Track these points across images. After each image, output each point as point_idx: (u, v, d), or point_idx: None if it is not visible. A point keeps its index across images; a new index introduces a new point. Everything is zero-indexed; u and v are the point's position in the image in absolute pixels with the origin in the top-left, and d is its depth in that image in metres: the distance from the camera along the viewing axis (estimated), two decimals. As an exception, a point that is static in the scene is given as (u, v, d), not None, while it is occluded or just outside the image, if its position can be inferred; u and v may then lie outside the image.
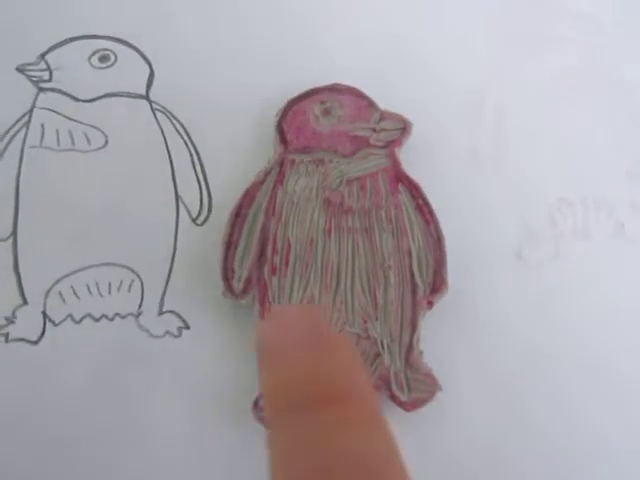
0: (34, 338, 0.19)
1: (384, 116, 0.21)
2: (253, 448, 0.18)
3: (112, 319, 0.19)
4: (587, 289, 0.21)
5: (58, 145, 0.20)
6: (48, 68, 0.20)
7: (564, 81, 0.23)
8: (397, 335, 0.19)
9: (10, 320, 0.19)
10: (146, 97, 0.21)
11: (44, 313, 0.19)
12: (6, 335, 0.19)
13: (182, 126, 0.21)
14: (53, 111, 0.20)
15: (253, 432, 0.18)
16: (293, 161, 0.20)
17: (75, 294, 0.19)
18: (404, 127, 0.21)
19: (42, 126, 0.20)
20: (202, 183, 0.20)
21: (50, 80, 0.20)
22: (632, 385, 0.20)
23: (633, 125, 0.24)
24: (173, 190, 0.20)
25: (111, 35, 0.21)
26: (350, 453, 0.11)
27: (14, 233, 0.19)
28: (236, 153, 0.21)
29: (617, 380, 0.20)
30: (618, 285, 0.21)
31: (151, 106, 0.21)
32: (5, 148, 0.20)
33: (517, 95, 0.23)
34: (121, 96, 0.21)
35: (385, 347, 0.19)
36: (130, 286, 0.19)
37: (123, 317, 0.19)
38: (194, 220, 0.20)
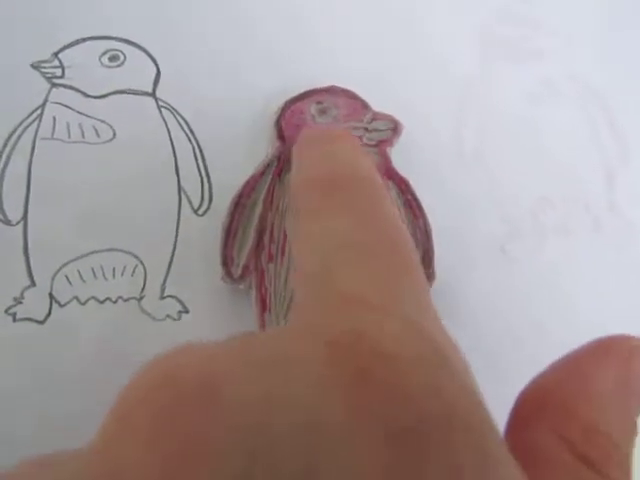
0: (41, 318, 0.20)
1: (376, 117, 0.22)
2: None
3: (115, 302, 0.20)
4: (567, 283, 0.23)
5: (69, 137, 0.21)
6: (61, 65, 0.22)
7: (544, 89, 0.25)
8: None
9: (18, 300, 0.20)
10: (152, 95, 0.22)
11: (51, 294, 0.20)
12: (14, 314, 0.19)
13: (186, 122, 0.22)
14: (65, 105, 0.21)
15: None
16: (290, 156, 0.21)
17: (81, 277, 0.20)
18: (395, 127, 0.22)
19: (54, 119, 0.21)
20: (204, 175, 0.22)
21: (62, 77, 0.22)
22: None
23: (610, 130, 0.25)
24: (176, 181, 0.21)
25: (121, 36, 0.22)
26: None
27: (25, 218, 0.20)
28: (236, 148, 0.22)
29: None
30: (596, 280, 0.23)
31: (157, 103, 0.22)
32: (18, 139, 0.21)
33: (499, 100, 0.24)
34: (129, 93, 0.22)
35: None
36: (133, 271, 0.20)
37: (126, 300, 0.20)
38: (195, 210, 0.21)
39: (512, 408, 0.12)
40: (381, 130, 0.22)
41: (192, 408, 0.09)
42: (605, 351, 0.12)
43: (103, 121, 0.21)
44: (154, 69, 0.22)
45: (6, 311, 0.19)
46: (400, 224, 0.13)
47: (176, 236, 0.21)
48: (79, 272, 0.20)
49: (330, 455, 0.08)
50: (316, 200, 0.14)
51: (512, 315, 0.22)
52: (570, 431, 0.11)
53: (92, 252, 0.20)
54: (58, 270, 0.20)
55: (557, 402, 0.12)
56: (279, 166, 0.21)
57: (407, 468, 0.08)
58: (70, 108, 0.21)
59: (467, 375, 0.10)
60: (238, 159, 0.22)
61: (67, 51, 0.22)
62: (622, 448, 0.11)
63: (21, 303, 0.20)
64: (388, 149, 0.22)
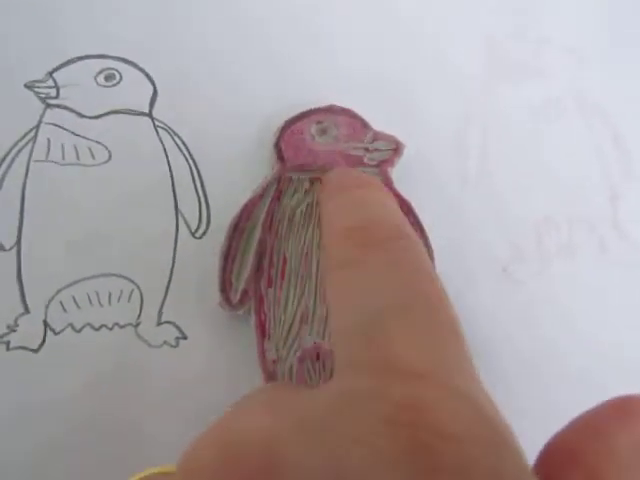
0: (35, 346, 0.19)
1: (377, 136, 0.22)
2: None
3: (111, 329, 0.20)
4: (570, 304, 0.22)
5: (63, 159, 0.21)
6: (55, 85, 0.21)
7: (548, 108, 0.25)
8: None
9: (12, 328, 0.19)
10: (149, 115, 0.22)
11: (45, 322, 0.19)
12: (7, 343, 0.19)
13: (183, 143, 0.22)
14: (59, 126, 0.21)
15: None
16: (290, 178, 0.21)
17: (76, 304, 0.20)
18: (396, 148, 0.22)
19: (48, 140, 0.21)
20: (201, 198, 0.21)
21: (57, 97, 0.21)
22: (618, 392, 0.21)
23: (616, 150, 0.25)
24: (173, 204, 0.21)
25: (117, 55, 0.22)
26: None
27: (18, 243, 0.20)
28: (235, 170, 0.21)
29: (600, 393, 0.21)
30: (599, 301, 0.22)
31: (154, 123, 0.22)
32: (12, 161, 0.20)
33: (503, 120, 0.24)
34: (125, 113, 0.21)
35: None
36: (130, 297, 0.20)
37: (122, 327, 0.20)
38: (193, 233, 0.21)
39: (535, 464, 0.12)
40: (382, 150, 0.22)
41: (258, 473, 0.09)
42: (626, 411, 0.12)
43: (99, 142, 0.21)
44: (151, 88, 0.22)
45: (-1, 339, 0.19)
46: (439, 282, 0.13)
47: (173, 260, 0.21)
48: (74, 298, 0.20)
49: None
50: (355, 253, 0.13)
51: (515, 336, 0.22)
52: None
53: (87, 278, 0.20)
54: (53, 296, 0.20)
55: (582, 463, 0.11)
56: (278, 188, 0.21)
57: None
58: (65, 129, 0.21)
59: (520, 451, 0.10)
60: (236, 180, 0.21)
61: (62, 70, 0.22)
62: None
63: (15, 331, 0.19)
64: (389, 169, 0.22)
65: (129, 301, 0.20)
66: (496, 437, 0.09)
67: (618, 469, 0.11)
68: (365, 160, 0.22)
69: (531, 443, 0.20)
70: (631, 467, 0.11)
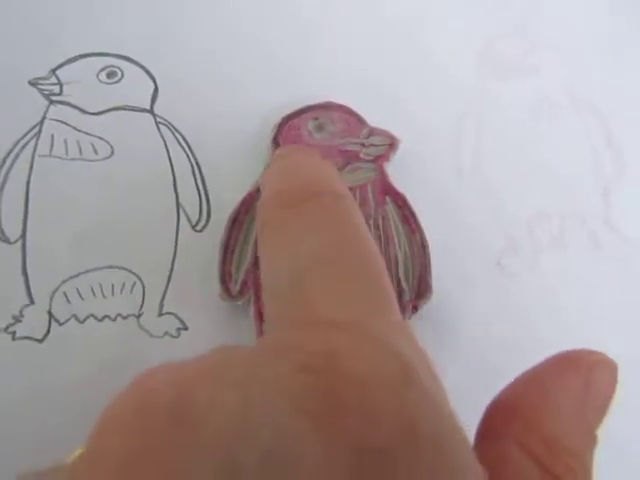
0: (40, 336, 0.20)
1: (373, 132, 0.22)
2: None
3: (114, 319, 0.20)
4: (561, 297, 0.23)
5: (67, 154, 0.21)
6: (59, 82, 0.22)
7: (542, 105, 0.25)
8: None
9: (17, 319, 0.20)
10: (150, 111, 0.22)
11: (50, 313, 0.20)
12: (13, 333, 0.20)
13: (184, 138, 0.22)
14: (63, 122, 0.21)
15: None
16: (288, 173, 0.22)
17: (79, 295, 0.20)
18: (391, 143, 0.22)
19: (52, 136, 0.21)
20: (202, 192, 0.22)
21: (60, 94, 0.22)
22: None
23: (608, 146, 0.25)
24: (174, 198, 0.21)
25: (119, 53, 0.22)
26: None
27: (23, 236, 0.20)
28: (234, 164, 0.22)
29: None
30: (591, 294, 0.23)
31: (155, 119, 0.22)
32: (16, 156, 0.21)
33: (497, 117, 0.24)
34: (127, 110, 0.22)
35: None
36: (132, 288, 0.21)
37: (125, 318, 0.20)
38: (194, 227, 0.21)
39: (481, 419, 0.13)
40: (378, 145, 0.22)
41: (164, 428, 0.09)
42: (566, 365, 0.13)
43: (101, 138, 0.22)
44: (152, 85, 0.22)
45: (5, 329, 0.20)
46: (368, 237, 0.13)
47: (174, 252, 0.21)
48: (78, 290, 0.20)
49: (297, 475, 0.08)
50: (280, 215, 0.14)
51: (508, 328, 0.22)
52: (534, 444, 0.11)
53: (91, 270, 0.20)
54: (57, 288, 0.20)
55: (521, 415, 0.12)
56: (277, 182, 0.21)
57: None
58: (68, 125, 0.21)
59: (437, 391, 0.10)
60: (236, 175, 0.22)
61: (65, 68, 0.22)
62: (584, 461, 0.12)
63: (20, 321, 0.20)
64: (385, 164, 0.22)
65: (131, 293, 0.20)
66: (404, 378, 0.10)
67: (555, 419, 0.12)
68: (361, 155, 0.22)
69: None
70: (570, 421, 0.12)
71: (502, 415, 0.12)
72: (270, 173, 0.17)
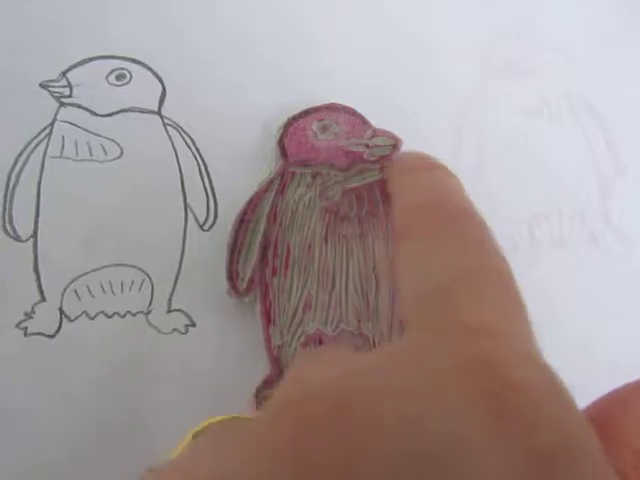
0: (51, 332, 0.20)
1: (376, 133, 0.23)
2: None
3: (124, 316, 0.21)
4: (562, 295, 0.23)
5: (77, 155, 0.22)
6: (69, 85, 0.22)
7: (542, 106, 0.26)
8: (387, 333, 0.21)
9: (29, 315, 0.20)
10: (158, 113, 0.23)
11: (61, 309, 0.20)
12: (25, 329, 0.20)
13: (191, 140, 0.22)
14: (73, 124, 0.22)
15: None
16: (293, 173, 0.22)
17: (90, 292, 0.21)
18: (395, 144, 0.23)
19: (62, 138, 0.22)
20: (209, 192, 0.22)
21: (71, 96, 0.22)
22: (604, 382, 0.22)
23: (607, 147, 0.26)
24: (182, 198, 0.22)
25: (127, 56, 0.23)
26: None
27: (35, 235, 0.21)
28: (241, 165, 0.22)
29: (586, 381, 0.22)
30: (590, 292, 0.23)
31: (163, 121, 0.23)
32: (28, 157, 0.21)
33: (498, 118, 0.25)
34: (135, 111, 0.22)
35: (377, 344, 0.21)
36: (141, 286, 0.21)
37: (134, 315, 0.21)
38: (201, 226, 0.22)
39: None
40: (381, 146, 0.23)
41: (331, 425, 0.09)
42: None
43: (111, 139, 0.22)
44: (160, 88, 0.23)
45: (17, 326, 0.20)
46: (503, 254, 0.14)
47: (182, 251, 0.22)
48: (88, 287, 0.21)
49: (471, 474, 0.08)
50: (432, 225, 0.14)
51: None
52: (620, 460, 0.12)
53: (101, 267, 0.21)
54: (68, 285, 0.21)
55: (606, 432, 0.12)
56: (282, 183, 0.22)
57: None
58: (78, 127, 0.22)
59: (578, 407, 0.11)
60: (242, 175, 0.22)
61: (75, 70, 0.23)
62: None
63: (32, 318, 0.20)
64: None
65: (140, 290, 0.21)
66: (558, 390, 0.10)
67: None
68: (365, 156, 0.23)
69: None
70: None
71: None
72: (402, 183, 0.18)
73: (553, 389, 0.10)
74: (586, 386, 0.21)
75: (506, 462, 0.09)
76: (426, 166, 0.18)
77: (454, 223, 0.14)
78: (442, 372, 0.10)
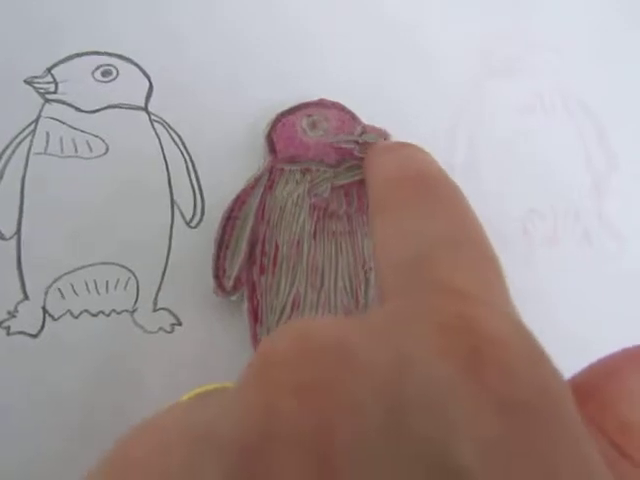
0: (34, 332, 0.20)
1: (366, 129, 0.23)
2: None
3: (109, 315, 0.20)
4: (556, 292, 0.23)
5: (62, 152, 0.21)
6: (54, 81, 0.22)
7: (535, 104, 0.25)
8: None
9: (12, 314, 0.20)
10: (145, 109, 0.22)
11: (44, 308, 0.20)
12: (7, 328, 0.20)
13: (178, 136, 0.22)
14: (58, 120, 0.22)
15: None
16: (282, 169, 0.22)
17: (74, 291, 0.20)
18: (385, 140, 0.22)
19: (47, 134, 0.21)
20: (196, 189, 0.22)
21: (56, 92, 0.22)
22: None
23: (600, 144, 0.25)
24: (169, 195, 0.22)
25: (113, 52, 0.23)
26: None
27: (18, 232, 0.20)
28: (228, 162, 0.22)
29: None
30: (584, 289, 0.23)
31: (149, 117, 0.22)
32: (12, 154, 0.21)
33: (491, 116, 0.25)
34: (122, 108, 0.22)
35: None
36: (126, 284, 0.21)
37: (119, 313, 0.20)
38: (188, 223, 0.22)
39: None
40: (371, 143, 0.22)
41: (332, 363, 0.10)
42: (639, 357, 0.13)
43: (96, 136, 0.22)
44: (146, 84, 0.23)
45: (0, 325, 0.20)
46: (479, 220, 0.15)
47: (169, 249, 0.21)
48: (72, 286, 0.20)
49: (454, 421, 0.09)
50: (407, 196, 0.15)
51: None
52: (608, 424, 0.12)
53: (85, 266, 0.20)
54: (51, 284, 0.20)
55: (597, 397, 0.12)
56: (271, 179, 0.22)
57: (520, 437, 0.09)
58: (63, 123, 0.22)
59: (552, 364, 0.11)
60: (230, 172, 0.22)
61: (60, 67, 0.22)
62: None
63: (15, 317, 0.20)
64: (378, 161, 0.23)
65: (126, 288, 0.21)
66: (538, 351, 0.11)
67: (630, 403, 0.12)
68: (355, 152, 0.22)
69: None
70: None
71: (577, 396, 0.12)
72: (382, 160, 0.18)
73: (532, 348, 0.10)
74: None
75: (482, 409, 0.09)
76: (398, 146, 0.19)
77: (429, 192, 0.15)
78: (423, 329, 0.10)
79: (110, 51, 0.23)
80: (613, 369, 0.13)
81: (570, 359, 0.21)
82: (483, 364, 0.10)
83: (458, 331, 0.10)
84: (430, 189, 0.15)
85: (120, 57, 0.23)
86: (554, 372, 0.10)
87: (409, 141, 0.22)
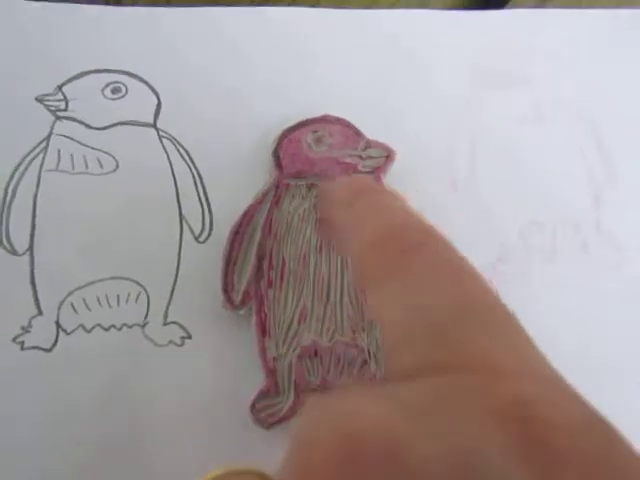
0: (48, 346, 0.20)
1: (370, 144, 0.23)
2: (251, 449, 0.20)
3: (120, 329, 0.21)
4: (555, 301, 0.23)
5: (73, 169, 0.22)
6: (65, 98, 0.22)
7: (534, 114, 0.26)
8: (382, 344, 0.21)
9: (26, 329, 0.20)
10: (154, 126, 0.23)
11: (57, 323, 0.20)
12: (22, 343, 0.20)
13: (186, 152, 0.23)
14: (69, 138, 0.22)
15: (251, 433, 0.20)
16: (288, 185, 0.22)
17: (86, 305, 0.21)
18: (388, 155, 0.23)
19: (58, 151, 0.22)
20: (204, 204, 0.22)
21: (66, 109, 0.22)
22: (602, 392, 0.22)
23: (598, 154, 0.26)
24: (177, 210, 0.22)
25: (123, 69, 0.23)
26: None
27: (31, 248, 0.21)
28: (236, 177, 0.23)
29: (582, 385, 0.22)
30: (583, 298, 0.23)
31: (158, 134, 0.23)
32: (24, 171, 0.22)
33: (491, 127, 0.25)
34: (131, 124, 0.23)
35: (371, 355, 0.21)
36: (137, 298, 0.21)
37: (130, 327, 0.21)
38: (196, 238, 0.22)
39: None
40: (375, 157, 0.23)
41: (379, 469, 0.09)
42: None
43: (106, 152, 0.22)
44: (155, 101, 0.23)
45: (14, 340, 0.20)
46: (481, 277, 0.13)
47: (178, 263, 0.22)
48: (84, 300, 0.21)
49: None
50: (394, 260, 0.13)
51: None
52: None
53: (97, 280, 0.21)
54: (64, 299, 0.21)
55: None
56: (277, 194, 0.22)
57: None
58: (74, 140, 0.22)
59: (614, 427, 0.10)
60: (237, 187, 0.22)
61: (70, 84, 0.23)
62: None
63: (28, 332, 0.20)
64: (382, 175, 0.23)
65: (136, 302, 0.21)
66: (603, 425, 0.10)
67: None
68: (359, 167, 0.23)
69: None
70: None
71: None
72: (349, 216, 0.15)
73: (597, 423, 0.10)
74: (586, 383, 0.22)
75: None
76: (359, 192, 0.16)
77: (424, 252, 0.13)
78: (479, 419, 0.09)
79: (119, 69, 0.23)
80: None
81: (571, 369, 0.22)
82: (554, 460, 0.09)
83: (518, 421, 0.09)
84: (419, 247, 0.13)
85: (129, 74, 0.23)
86: (627, 448, 0.09)
87: (407, 155, 0.23)
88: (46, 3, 0.24)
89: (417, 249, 0.13)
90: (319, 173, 0.22)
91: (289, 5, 0.26)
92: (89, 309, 0.21)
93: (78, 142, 0.22)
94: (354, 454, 0.09)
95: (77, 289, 0.21)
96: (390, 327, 0.12)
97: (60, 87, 0.23)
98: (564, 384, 0.11)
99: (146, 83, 0.23)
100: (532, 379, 0.10)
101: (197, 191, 0.22)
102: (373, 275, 0.13)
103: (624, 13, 0.28)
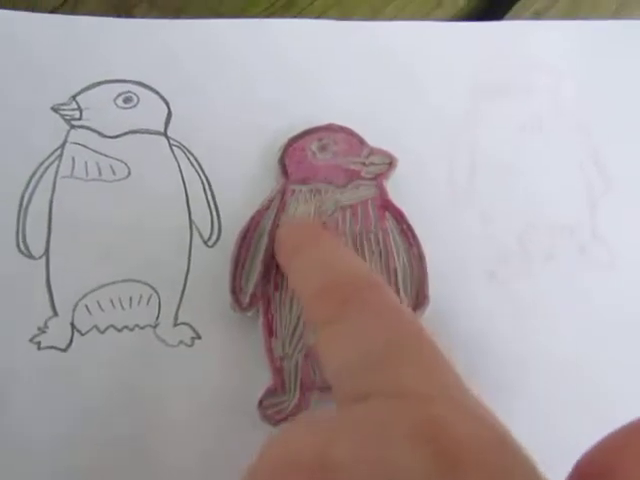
0: (63, 346, 0.21)
1: (373, 152, 0.24)
2: (259, 445, 0.21)
3: (132, 330, 0.22)
4: (552, 305, 0.24)
5: (87, 175, 0.23)
6: (79, 108, 0.23)
7: (533, 123, 0.27)
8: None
9: (42, 330, 0.21)
10: (164, 134, 0.24)
11: (72, 324, 0.21)
12: (38, 343, 0.21)
13: (196, 160, 0.24)
14: (83, 145, 0.23)
15: (258, 430, 0.20)
16: (293, 191, 0.23)
17: (100, 307, 0.22)
18: (391, 162, 0.24)
19: (73, 159, 0.23)
20: (213, 210, 0.23)
21: (80, 118, 0.23)
22: (599, 392, 0.23)
23: (595, 163, 0.27)
24: (187, 215, 0.23)
25: (134, 79, 0.24)
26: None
27: (47, 252, 0.22)
28: (243, 184, 0.23)
29: (583, 389, 0.23)
30: (579, 302, 0.24)
31: (169, 142, 0.24)
32: (40, 178, 0.22)
33: (490, 136, 0.26)
34: (142, 133, 0.23)
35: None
36: (149, 300, 0.22)
37: (142, 328, 0.22)
38: (206, 242, 0.23)
39: (569, 476, 0.13)
40: (378, 164, 0.24)
41: None
42: None
43: (119, 159, 0.23)
44: (165, 110, 0.24)
45: (31, 340, 0.21)
46: (417, 319, 0.16)
47: (188, 266, 0.22)
48: (98, 302, 0.22)
49: None
50: (335, 309, 0.16)
51: (501, 336, 0.23)
52: None
53: (110, 283, 0.22)
54: (79, 301, 0.21)
55: (615, 476, 0.12)
56: (283, 200, 0.23)
57: None
58: (88, 148, 0.23)
59: (524, 450, 0.12)
60: (245, 193, 0.23)
61: (84, 94, 0.24)
62: None
63: (45, 332, 0.21)
64: (384, 182, 0.24)
65: (148, 304, 0.22)
66: (501, 440, 0.11)
67: None
68: (362, 173, 0.24)
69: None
70: None
71: (596, 475, 0.12)
72: (295, 268, 0.19)
73: (496, 438, 0.11)
74: (586, 388, 0.22)
75: None
76: (307, 240, 0.19)
77: (363, 298, 0.16)
78: (400, 438, 0.11)
79: (131, 79, 0.24)
80: (628, 445, 0.12)
81: (569, 367, 0.23)
82: (461, 470, 0.10)
83: (432, 439, 0.11)
84: (358, 294, 0.16)
85: (141, 85, 0.24)
86: (524, 461, 0.11)
87: (408, 163, 0.24)
88: (60, 16, 0.25)
89: (357, 296, 0.16)
90: (323, 179, 0.23)
91: (295, 16, 0.27)
92: (103, 311, 0.21)
93: (92, 150, 0.23)
94: (288, 477, 0.11)
95: (91, 291, 0.22)
96: (334, 360, 0.15)
97: (74, 97, 0.23)
98: (477, 407, 0.13)
99: (157, 93, 0.24)
100: (444, 402, 0.12)
101: (206, 197, 0.23)
102: (319, 319, 0.16)
103: (622, 24, 0.29)
